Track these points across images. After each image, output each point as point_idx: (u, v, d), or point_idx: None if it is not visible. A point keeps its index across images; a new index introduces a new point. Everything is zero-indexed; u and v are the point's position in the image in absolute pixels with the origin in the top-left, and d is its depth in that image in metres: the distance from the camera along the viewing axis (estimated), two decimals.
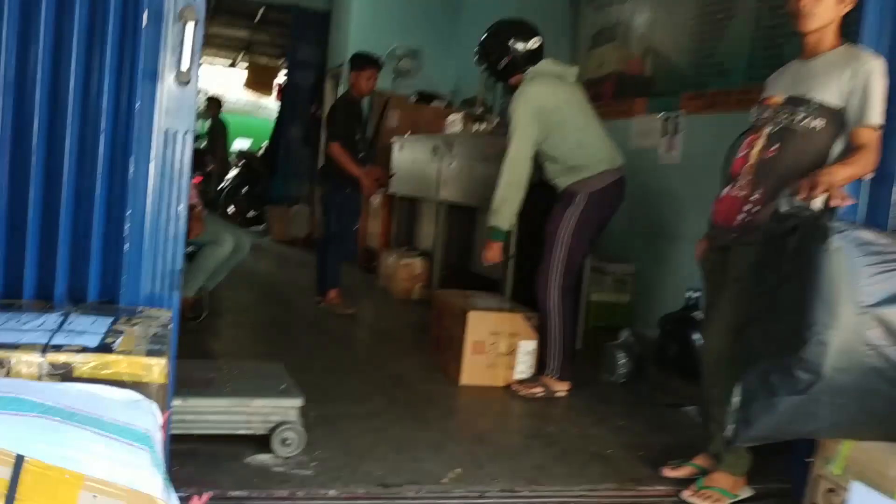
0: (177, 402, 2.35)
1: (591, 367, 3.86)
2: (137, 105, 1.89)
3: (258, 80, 12.08)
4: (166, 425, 1.46)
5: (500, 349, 3.58)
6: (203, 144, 7.42)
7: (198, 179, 6.14)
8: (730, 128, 4.98)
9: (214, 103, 10.24)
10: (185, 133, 1.98)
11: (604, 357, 3.98)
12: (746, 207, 2.45)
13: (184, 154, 1.98)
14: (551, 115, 3.40)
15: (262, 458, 2.42)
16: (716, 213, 2.60)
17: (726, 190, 2.58)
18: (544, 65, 3.52)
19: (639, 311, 5.37)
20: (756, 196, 2.43)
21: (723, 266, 2.57)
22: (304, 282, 5.88)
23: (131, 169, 1.89)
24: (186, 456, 2.35)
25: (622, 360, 3.90)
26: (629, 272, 5.31)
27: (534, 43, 3.52)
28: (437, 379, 3.65)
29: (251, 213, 10.44)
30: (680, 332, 3.35)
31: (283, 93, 10.44)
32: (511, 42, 3.49)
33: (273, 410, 2.47)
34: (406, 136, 6.76)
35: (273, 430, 2.44)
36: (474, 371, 3.56)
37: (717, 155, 5.02)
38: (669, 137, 5.31)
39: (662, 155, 5.36)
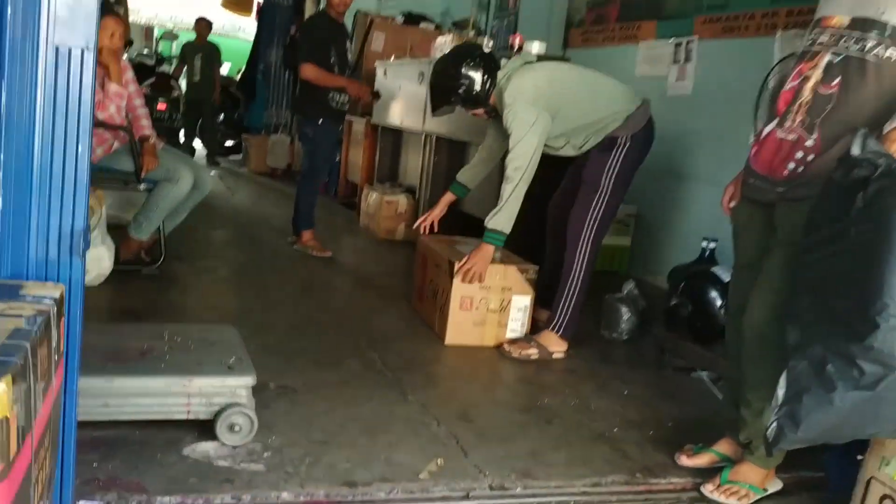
0: (100, 383, 1.94)
1: (589, 320, 3.46)
2: (9, 11, 1.41)
3: (236, 0, 11.32)
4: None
5: (490, 305, 3.17)
6: (173, 67, 6.86)
7: (162, 106, 5.61)
8: (751, 56, 4.51)
9: (204, 25, 9.14)
10: (84, 51, 1.51)
11: (605, 311, 3.59)
12: (798, 154, 2.01)
13: (83, 78, 1.51)
14: (552, 90, 3.07)
15: (205, 447, 2.02)
16: (756, 157, 2.16)
17: (770, 128, 2.12)
18: (511, 62, 3.19)
19: (640, 257, 4.97)
20: (811, 141, 1.98)
21: (764, 224, 2.14)
22: (281, 219, 5.44)
23: (2, 97, 1.42)
24: (111, 445, 1.96)
25: (626, 315, 3.51)
26: (630, 213, 4.89)
27: (481, 59, 3.11)
28: (420, 336, 3.26)
29: (228, 143, 9.91)
30: (695, 288, 2.93)
31: (262, 13, 9.77)
32: (463, 70, 3.08)
33: (218, 391, 2.06)
34: (391, 59, 6.21)
35: (218, 414, 2.04)
36: (461, 329, 3.16)
37: (735, 86, 4.56)
38: (680, 66, 4.80)
39: (672, 85, 4.86)
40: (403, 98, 5.59)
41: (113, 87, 3.56)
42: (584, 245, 3.12)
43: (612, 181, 3.12)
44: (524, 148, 2.96)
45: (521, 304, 3.21)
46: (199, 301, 3.50)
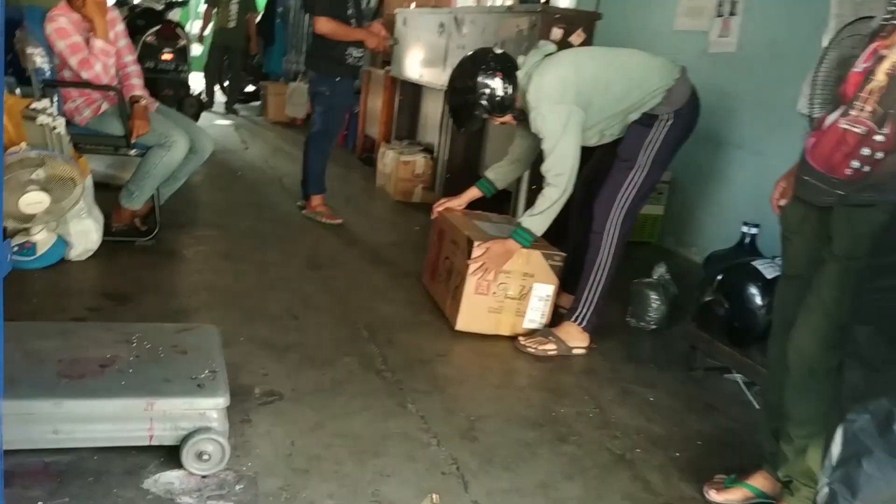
0: (48, 407, 1.71)
1: (614, 304, 3.15)
2: None
3: None
4: None
5: (509, 291, 2.88)
6: (180, 13, 6.48)
7: (167, 56, 5.31)
8: (805, 11, 4.08)
9: None
10: None
11: (632, 297, 3.29)
12: (865, 151, 1.67)
13: None
14: (579, 80, 2.75)
15: (170, 477, 1.79)
16: (813, 150, 1.82)
17: (833, 117, 1.78)
18: (529, 58, 2.85)
19: (673, 227, 4.63)
20: (882, 136, 1.64)
21: (818, 231, 1.82)
22: (294, 178, 5.15)
23: None
24: (63, 476, 1.74)
25: (655, 303, 3.21)
26: (665, 180, 4.52)
27: (496, 63, 2.81)
28: (428, 325, 2.99)
29: (248, 88, 9.59)
30: (733, 284, 2.62)
31: None
32: (480, 80, 2.78)
33: (185, 414, 1.82)
34: (411, 6, 5.82)
35: (185, 440, 1.80)
36: (474, 315, 2.89)
37: (785, 45, 4.11)
38: (724, 19, 4.37)
39: (714, 41, 4.44)
40: (423, 49, 5.22)
41: (99, 43, 3.27)
42: (613, 228, 2.81)
43: (651, 158, 2.80)
44: (561, 153, 2.70)
45: (544, 293, 2.92)
46: (193, 279, 3.24)
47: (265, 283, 3.25)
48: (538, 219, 2.76)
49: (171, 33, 5.38)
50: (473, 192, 3.19)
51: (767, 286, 2.51)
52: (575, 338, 2.86)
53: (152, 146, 3.39)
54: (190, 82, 5.91)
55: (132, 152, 3.42)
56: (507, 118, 2.90)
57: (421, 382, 2.48)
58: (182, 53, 5.34)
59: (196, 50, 8.87)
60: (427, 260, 3.40)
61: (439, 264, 3.20)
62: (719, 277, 2.69)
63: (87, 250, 3.21)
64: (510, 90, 2.79)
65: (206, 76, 8.88)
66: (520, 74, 2.80)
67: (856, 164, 1.70)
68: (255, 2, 8.85)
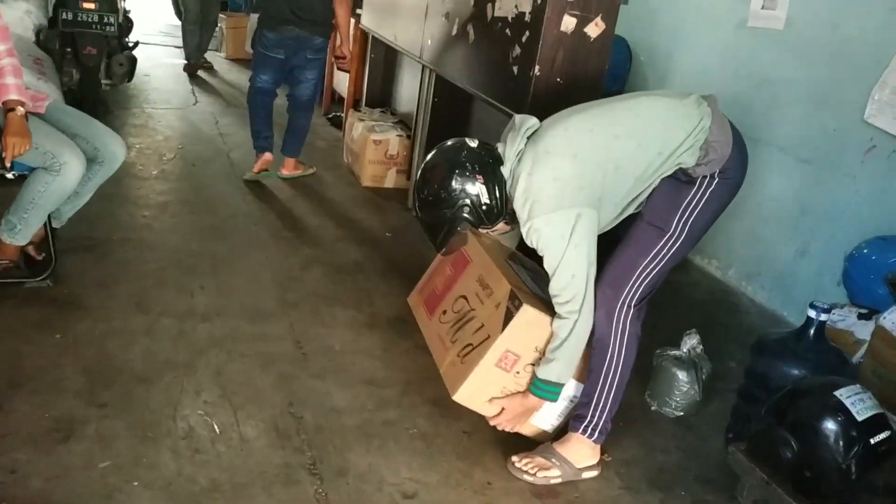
0: None
1: (636, 378, 2.44)
2: None
3: None
4: None
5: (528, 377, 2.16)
6: None
7: (90, 5, 4.36)
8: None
9: None
10: None
11: (654, 372, 2.61)
12: None
13: None
14: (581, 171, 1.99)
15: None
16: None
17: None
18: (509, 145, 2.08)
19: (698, 260, 3.89)
20: None
21: None
22: (246, 146, 4.40)
23: None
24: None
25: (684, 386, 2.54)
26: None
27: (473, 162, 2.05)
28: (407, 402, 2.30)
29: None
30: (807, 420, 1.91)
31: None
32: (456, 186, 2.04)
33: None
34: None
35: None
36: (482, 390, 2.17)
37: (847, 26, 3.22)
38: None
39: (756, 14, 3.61)
40: (399, 5, 4.32)
41: None
42: (622, 314, 2.10)
43: (688, 225, 2.06)
44: (569, 273, 1.99)
45: (571, 392, 2.22)
46: (90, 354, 2.44)
47: (184, 355, 2.50)
48: (556, 366, 2.07)
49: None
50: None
51: (856, 430, 1.84)
52: (584, 457, 2.18)
53: (37, 167, 2.59)
54: (122, 35, 4.94)
55: (10, 175, 2.62)
56: (500, 226, 2.16)
57: None
58: (108, 0, 4.39)
59: None
60: (428, 283, 2.62)
61: (447, 298, 2.43)
62: (786, 401, 1.99)
63: None
64: (497, 193, 2.05)
65: (185, 31, 6.85)
66: (504, 171, 2.05)
67: None
68: None
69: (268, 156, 4.21)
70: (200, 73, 6.79)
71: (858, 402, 1.88)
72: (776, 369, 2.23)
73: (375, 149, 4.35)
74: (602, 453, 2.23)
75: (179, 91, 5.65)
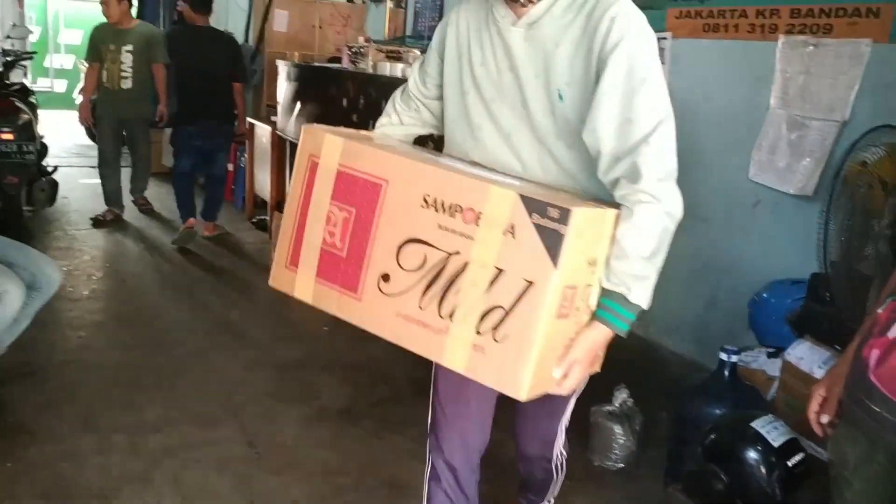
0: None
1: (570, 430, 2.56)
2: None
3: None
4: None
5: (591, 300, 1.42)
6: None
7: (7, 136, 4.44)
8: (743, 64, 3.64)
9: None
10: None
11: (592, 429, 2.78)
12: None
13: None
14: None
15: None
16: (879, 366, 1.34)
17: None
18: None
19: None
20: None
21: (885, 477, 1.33)
22: (178, 263, 4.46)
23: None
24: None
25: (620, 439, 2.72)
26: None
27: None
28: None
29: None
30: (732, 453, 2.11)
31: None
32: None
33: None
34: (294, 58, 5.15)
35: None
36: (545, 368, 1.34)
37: (720, 101, 3.61)
38: None
39: None
40: (314, 111, 4.57)
41: None
42: (562, 450, 1.98)
43: None
44: (668, 136, 1.40)
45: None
46: (39, 478, 2.43)
47: (139, 467, 2.53)
48: (650, 282, 1.41)
49: (9, 107, 4.50)
50: None
51: (774, 455, 2.05)
52: None
53: None
54: (40, 161, 4.99)
55: None
56: None
57: None
58: (26, 130, 4.47)
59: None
60: (304, 241, 1.53)
61: (375, 252, 1.43)
62: (711, 438, 2.20)
63: None
64: None
65: (103, 174, 5.65)
66: None
67: None
68: (159, 44, 5.38)
69: (192, 221, 5.16)
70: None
71: (773, 431, 2.09)
72: (700, 411, 2.44)
73: None
74: None
75: (99, 210, 5.68)
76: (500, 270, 1.31)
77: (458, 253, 1.34)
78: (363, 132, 1.73)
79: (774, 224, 3.35)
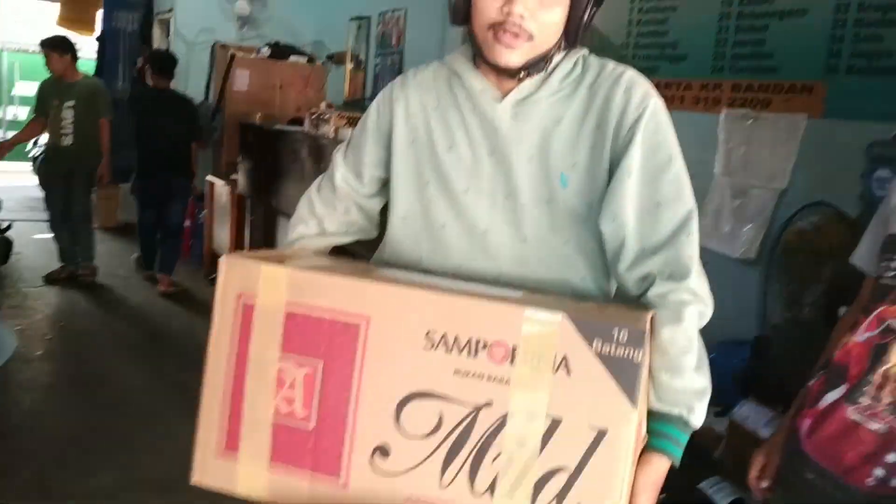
0: None
1: None
2: None
3: (74, 16, 9.86)
4: None
5: None
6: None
7: None
8: (687, 131, 3.79)
9: (61, 49, 5.28)
10: None
11: None
12: (891, 458, 1.29)
13: None
14: None
15: None
16: (811, 436, 1.43)
17: (833, 397, 1.40)
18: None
19: None
20: None
21: None
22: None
23: None
24: None
25: None
26: None
27: None
28: None
29: None
30: None
31: (103, 40, 8.46)
32: None
33: None
34: (257, 119, 5.24)
35: None
36: None
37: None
38: None
39: None
40: (276, 170, 4.64)
41: None
42: None
43: None
44: (685, 203, 1.22)
45: None
46: None
47: None
48: (708, 395, 1.18)
49: None
50: None
51: None
52: None
53: None
54: None
55: None
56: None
57: None
58: None
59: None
60: (225, 413, 1.16)
61: (352, 424, 1.05)
62: (660, 499, 2.27)
63: None
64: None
65: (55, 233, 5.58)
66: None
67: (880, 472, 1.31)
68: (104, 98, 5.50)
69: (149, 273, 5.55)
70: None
71: (719, 492, 2.18)
72: None
73: None
74: None
75: (52, 266, 5.62)
76: (557, 421, 0.98)
77: (489, 404, 1.00)
78: (281, 251, 1.39)
79: (721, 287, 3.47)
